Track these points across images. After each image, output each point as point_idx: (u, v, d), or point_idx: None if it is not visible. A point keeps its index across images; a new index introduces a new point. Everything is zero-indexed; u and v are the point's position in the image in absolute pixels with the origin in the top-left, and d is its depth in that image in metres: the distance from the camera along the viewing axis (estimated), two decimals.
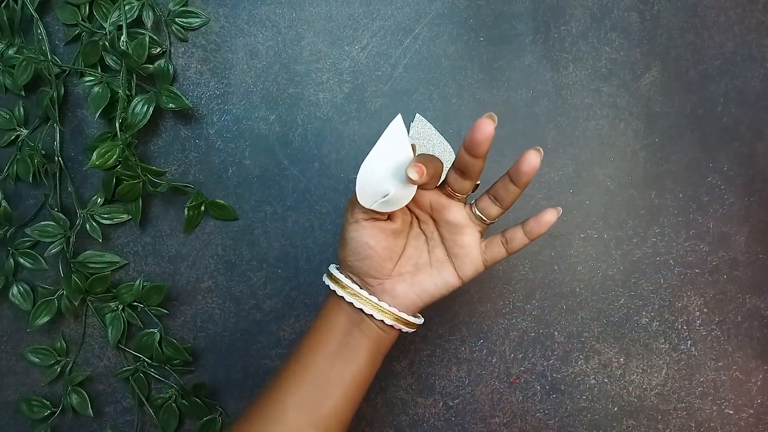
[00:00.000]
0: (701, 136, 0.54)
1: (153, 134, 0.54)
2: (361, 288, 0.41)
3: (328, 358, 0.41)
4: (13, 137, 0.53)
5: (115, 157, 0.48)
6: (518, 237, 0.41)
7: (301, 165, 0.54)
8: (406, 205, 0.40)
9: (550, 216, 0.40)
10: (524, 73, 0.54)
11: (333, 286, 0.42)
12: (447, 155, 0.53)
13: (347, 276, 0.42)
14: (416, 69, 0.54)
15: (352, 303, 0.41)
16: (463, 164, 0.38)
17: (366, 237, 0.40)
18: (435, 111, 0.54)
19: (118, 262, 0.53)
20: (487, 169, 0.53)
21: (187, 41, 0.54)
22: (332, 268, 0.43)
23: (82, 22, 0.51)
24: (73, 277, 0.52)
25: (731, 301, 0.53)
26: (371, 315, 0.41)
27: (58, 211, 0.52)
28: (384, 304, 0.41)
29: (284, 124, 0.54)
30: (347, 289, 0.41)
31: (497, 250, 0.42)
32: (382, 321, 0.41)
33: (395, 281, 0.42)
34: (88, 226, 0.52)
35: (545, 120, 0.54)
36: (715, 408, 0.53)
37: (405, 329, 0.42)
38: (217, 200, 0.53)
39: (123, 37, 0.50)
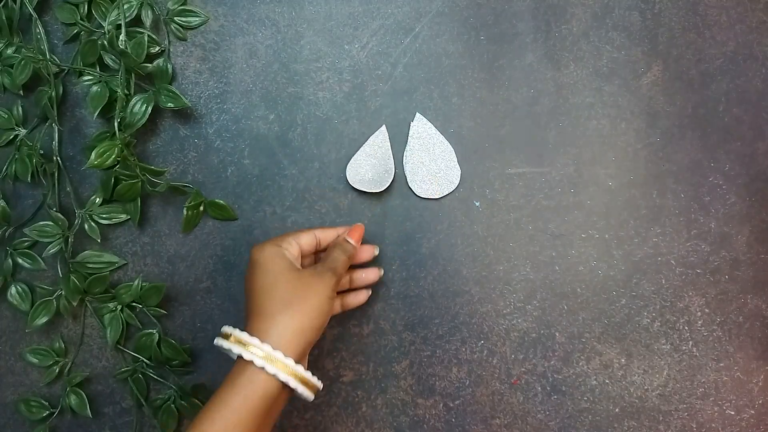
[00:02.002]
0: (703, 136, 0.53)
1: (152, 134, 0.53)
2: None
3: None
4: (11, 137, 0.52)
5: (113, 156, 0.47)
6: (335, 308, 0.49)
7: (300, 165, 0.53)
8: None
9: (362, 296, 0.51)
10: (525, 72, 0.53)
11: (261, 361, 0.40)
12: (447, 154, 0.53)
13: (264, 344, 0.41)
14: (416, 68, 0.53)
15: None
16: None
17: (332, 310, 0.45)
18: (435, 110, 0.53)
19: (116, 263, 0.53)
20: (490, 169, 0.53)
21: (186, 40, 0.53)
22: (245, 336, 0.41)
23: (81, 22, 0.51)
24: (72, 277, 0.51)
25: (733, 301, 0.53)
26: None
27: (56, 211, 0.52)
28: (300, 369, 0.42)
29: (284, 123, 0.53)
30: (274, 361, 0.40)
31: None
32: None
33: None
34: (86, 226, 0.52)
35: (546, 119, 0.53)
36: (716, 409, 0.53)
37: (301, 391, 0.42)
38: (216, 200, 0.53)
39: (122, 37, 0.50)
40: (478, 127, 0.53)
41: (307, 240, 0.47)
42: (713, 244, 0.53)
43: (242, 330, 0.42)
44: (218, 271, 0.54)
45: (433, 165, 0.53)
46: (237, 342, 0.41)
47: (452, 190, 0.53)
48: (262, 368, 0.40)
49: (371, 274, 0.51)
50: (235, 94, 0.53)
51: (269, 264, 0.44)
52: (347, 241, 0.47)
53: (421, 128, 0.53)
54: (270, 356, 0.40)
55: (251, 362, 0.40)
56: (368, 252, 0.51)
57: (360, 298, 0.51)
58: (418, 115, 0.53)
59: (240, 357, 0.40)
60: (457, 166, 0.53)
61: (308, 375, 0.42)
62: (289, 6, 0.53)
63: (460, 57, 0.53)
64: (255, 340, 0.40)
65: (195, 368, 0.54)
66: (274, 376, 0.40)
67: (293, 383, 0.40)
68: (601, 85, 0.53)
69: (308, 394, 0.42)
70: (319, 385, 0.43)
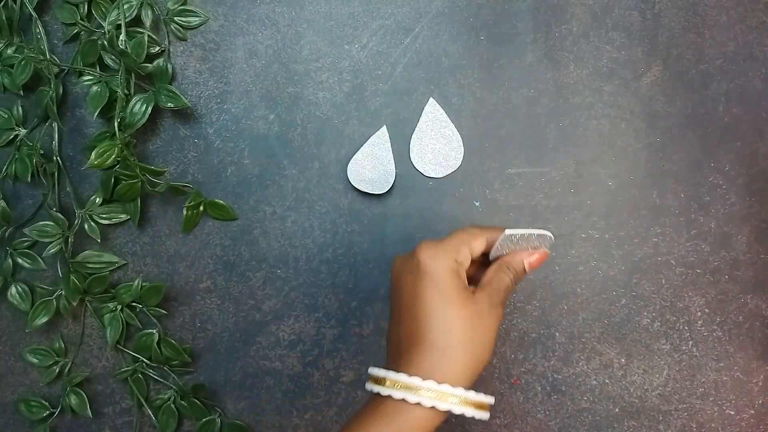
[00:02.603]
0: (703, 136, 0.53)
1: (152, 134, 0.53)
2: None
3: None
4: (11, 137, 0.52)
5: (113, 156, 0.47)
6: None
7: (300, 164, 0.53)
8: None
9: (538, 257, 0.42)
10: (525, 72, 0.53)
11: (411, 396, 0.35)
12: (455, 143, 0.53)
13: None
14: (416, 68, 0.53)
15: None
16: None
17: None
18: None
19: (116, 263, 0.53)
20: (488, 169, 0.53)
21: (186, 40, 0.53)
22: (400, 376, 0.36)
23: (81, 22, 0.51)
24: (72, 277, 0.51)
25: (733, 301, 0.53)
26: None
27: (56, 211, 0.52)
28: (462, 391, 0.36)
29: (283, 123, 0.53)
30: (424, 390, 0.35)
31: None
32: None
33: None
34: (86, 226, 0.52)
35: (546, 119, 0.53)
36: (716, 408, 0.53)
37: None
38: (216, 200, 0.53)
39: (122, 37, 0.50)
40: (478, 127, 0.53)
41: (478, 249, 0.40)
42: (713, 244, 0.53)
43: (392, 365, 0.37)
44: (218, 271, 0.54)
45: (439, 146, 0.53)
46: (404, 388, 0.35)
47: (455, 170, 0.53)
48: (432, 407, 0.35)
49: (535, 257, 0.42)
50: (235, 94, 0.53)
51: (442, 281, 0.37)
52: (524, 266, 0.40)
53: (433, 113, 0.53)
54: (443, 394, 0.35)
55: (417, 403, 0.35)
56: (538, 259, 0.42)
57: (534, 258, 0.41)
58: (431, 99, 0.53)
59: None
60: (462, 148, 0.53)
61: (482, 397, 0.37)
62: (289, 6, 0.53)
63: (460, 57, 0.53)
64: (430, 383, 0.35)
65: (195, 368, 0.54)
66: (446, 411, 0.35)
67: (471, 412, 0.36)
68: (601, 85, 0.53)
69: (484, 415, 0.37)
70: (490, 401, 0.38)
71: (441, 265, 0.37)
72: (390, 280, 0.40)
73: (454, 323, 0.36)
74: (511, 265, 0.40)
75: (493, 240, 0.40)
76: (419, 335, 0.36)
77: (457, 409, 0.35)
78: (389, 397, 0.35)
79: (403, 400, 0.35)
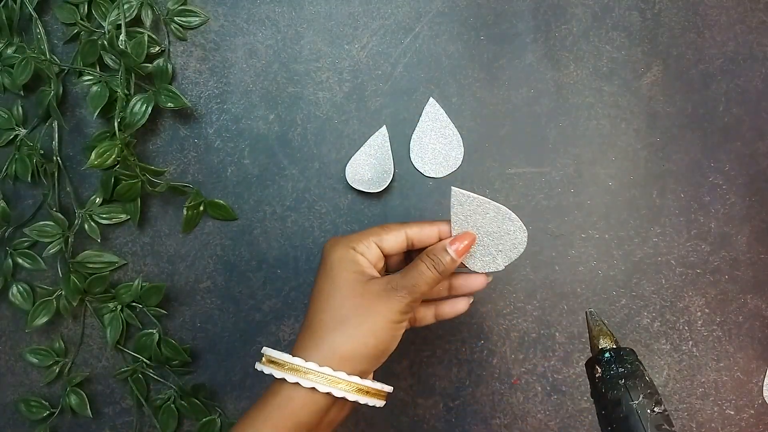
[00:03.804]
0: (703, 136, 0.53)
1: (152, 134, 0.53)
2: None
3: None
4: (11, 137, 0.52)
5: (113, 156, 0.47)
6: (428, 317, 0.43)
7: (300, 165, 0.53)
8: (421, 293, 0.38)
9: (461, 305, 0.42)
10: (525, 72, 0.53)
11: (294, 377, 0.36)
12: (455, 143, 0.53)
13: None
14: (416, 68, 0.53)
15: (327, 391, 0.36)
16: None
17: (400, 335, 0.39)
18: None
19: (116, 262, 0.53)
20: (488, 169, 0.53)
21: (186, 40, 0.53)
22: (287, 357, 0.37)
23: (81, 21, 0.51)
24: (72, 277, 0.51)
25: (733, 301, 0.53)
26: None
27: (56, 211, 0.52)
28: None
29: (284, 123, 0.53)
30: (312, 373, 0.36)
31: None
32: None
33: None
34: (86, 226, 0.52)
35: (546, 119, 0.53)
36: (716, 408, 0.53)
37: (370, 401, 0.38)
38: (216, 200, 0.53)
39: (122, 37, 0.50)
40: (478, 127, 0.53)
41: (392, 242, 0.40)
42: (713, 244, 0.53)
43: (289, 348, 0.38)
44: (218, 271, 0.54)
45: (439, 146, 0.53)
46: (290, 370, 0.36)
47: (455, 170, 0.53)
48: (312, 388, 0.36)
49: (476, 281, 0.42)
50: (235, 94, 0.53)
51: (335, 268, 0.38)
52: (446, 251, 0.39)
53: (432, 113, 0.53)
54: (325, 377, 0.36)
55: (293, 381, 0.36)
56: (477, 282, 0.42)
57: (458, 307, 0.42)
58: (431, 99, 0.53)
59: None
60: (462, 148, 0.53)
61: (368, 383, 0.37)
62: (289, 6, 0.53)
63: (460, 57, 0.53)
64: (311, 365, 0.36)
65: (195, 368, 0.54)
66: (327, 393, 0.36)
67: (353, 397, 0.36)
68: (601, 85, 0.53)
69: (377, 402, 0.38)
70: (384, 387, 0.39)
71: (337, 256, 0.38)
72: None
73: (341, 308, 0.37)
74: (432, 252, 0.39)
75: (419, 238, 0.40)
76: (309, 320, 0.38)
77: (338, 392, 0.36)
78: (282, 380, 0.36)
79: (284, 379, 0.36)
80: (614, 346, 0.38)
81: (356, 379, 0.37)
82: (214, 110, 0.53)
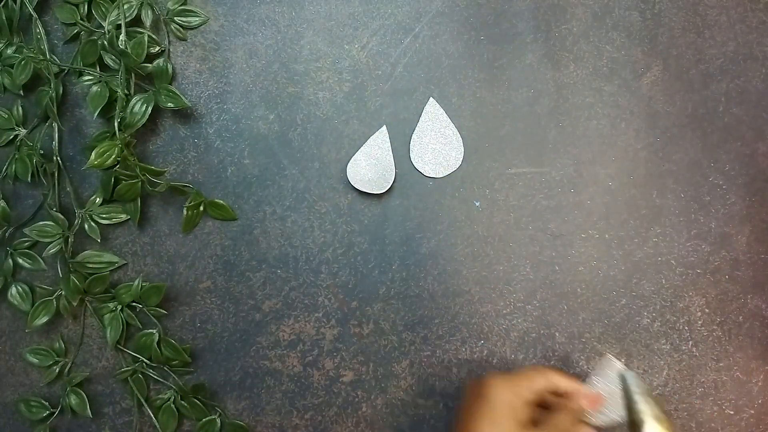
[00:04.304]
0: (702, 136, 0.53)
1: (152, 134, 0.53)
2: None
3: None
4: (11, 137, 0.52)
5: (113, 156, 0.47)
6: None
7: (300, 165, 0.53)
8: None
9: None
10: (525, 72, 0.53)
11: None
12: (455, 143, 0.53)
13: None
14: (416, 68, 0.53)
15: None
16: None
17: None
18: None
19: (116, 262, 0.53)
20: (490, 169, 0.53)
21: (186, 40, 0.53)
22: None
23: (81, 21, 0.51)
24: (72, 277, 0.51)
25: (733, 301, 0.53)
26: None
27: (56, 211, 0.52)
28: None
29: (283, 123, 0.53)
30: None
31: None
32: None
33: None
34: (86, 226, 0.52)
35: (546, 119, 0.53)
36: (716, 408, 0.53)
37: None
38: (216, 200, 0.53)
39: (122, 37, 0.50)
40: (478, 127, 0.53)
41: (541, 386, 0.43)
42: (713, 244, 0.53)
43: None
44: (218, 271, 0.54)
45: (439, 146, 0.52)
46: None
47: (455, 170, 0.53)
48: None
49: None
50: (235, 94, 0.53)
51: (498, 412, 0.41)
52: (581, 407, 0.43)
53: (432, 113, 0.53)
54: None
55: None
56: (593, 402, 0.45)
57: None
58: (431, 99, 0.53)
59: None
60: (462, 148, 0.53)
61: None
62: (289, 6, 0.53)
63: (460, 57, 0.53)
64: None
65: (195, 368, 0.54)
66: None
67: None
68: (601, 85, 0.53)
69: None
70: None
71: (501, 398, 0.41)
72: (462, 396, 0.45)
73: None
74: (569, 406, 0.43)
75: (560, 386, 0.43)
76: None
77: None
78: None
79: None
80: None
81: None
82: (214, 110, 0.53)
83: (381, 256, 0.53)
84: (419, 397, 0.53)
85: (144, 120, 0.49)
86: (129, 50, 0.49)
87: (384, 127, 0.53)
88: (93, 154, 0.46)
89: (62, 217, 0.52)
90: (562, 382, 0.44)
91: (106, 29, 0.50)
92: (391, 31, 0.53)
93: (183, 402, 0.52)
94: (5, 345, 0.54)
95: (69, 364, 0.54)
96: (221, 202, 0.53)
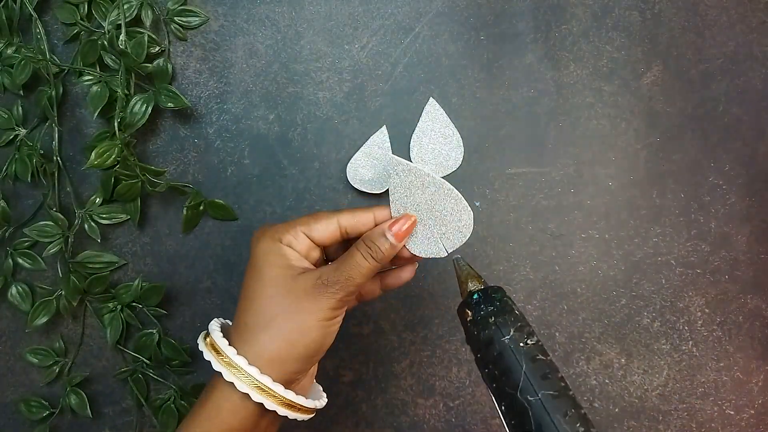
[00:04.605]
0: (703, 136, 0.53)
1: (152, 134, 0.53)
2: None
3: None
4: (11, 137, 0.52)
5: (113, 156, 0.47)
6: (374, 290, 0.41)
7: (300, 165, 0.53)
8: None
9: (407, 274, 0.40)
10: (525, 72, 0.53)
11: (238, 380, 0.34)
12: (455, 143, 0.53)
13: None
14: (416, 68, 0.53)
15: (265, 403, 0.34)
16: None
17: (335, 330, 0.35)
18: None
19: (116, 262, 0.53)
20: (489, 170, 0.53)
21: (186, 40, 0.53)
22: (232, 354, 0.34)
23: (81, 21, 0.51)
24: (72, 277, 0.51)
25: (733, 301, 0.53)
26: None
27: (56, 211, 0.52)
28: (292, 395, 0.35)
29: (284, 123, 0.53)
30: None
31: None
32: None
33: None
34: (86, 226, 0.52)
35: (546, 119, 0.53)
36: (716, 408, 0.53)
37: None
38: (216, 200, 0.53)
39: (122, 36, 0.50)
40: (478, 127, 0.53)
41: (322, 231, 0.37)
42: (713, 244, 0.53)
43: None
44: (218, 271, 0.54)
45: (439, 146, 0.52)
46: (213, 349, 0.35)
47: (455, 170, 0.53)
48: (232, 383, 0.34)
49: (405, 274, 0.41)
50: (235, 94, 0.53)
51: (261, 262, 0.36)
52: (384, 237, 0.36)
53: (433, 113, 0.53)
54: (241, 373, 0.34)
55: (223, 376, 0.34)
56: (406, 275, 0.40)
57: (404, 276, 0.40)
58: (432, 99, 0.53)
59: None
60: (462, 148, 0.52)
61: (292, 396, 0.35)
62: (289, 6, 0.53)
63: (460, 57, 0.53)
64: (230, 350, 0.34)
65: (195, 368, 0.54)
66: (246, 395, 0.33)
67: (271, 405, 0.34)
68: (601, 85, 0.53)
69: (298, 416, 0.36)
70: (313, 405, 0.37)
71: (262, 249, 0.36)
72: None
73: (267, 308, 0.34)
74: (368, 238, 0.36)
75: (353, 226, 0.37)
76: (236, 321, 0.36)
77: (258, 398, 0.34)
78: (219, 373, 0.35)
79: (219, 372, 0.34)
80: (482, 287, 0.37)
81: (279, 388, 0.34)
82: (214, 110, 0.53)
83: None
84: (419, 396, 0.53)
85: (144, 120, 0.49)
86: (129, 50, 0.49)
87: (384, 127, 0.53)
88: (93, 154, 0.46)
89: (62, 217, 0.52)
90: (354, 218, 0.37)
91: (106, 29, 0.50)
92: (391, 31, 0.53)
93: (183, 402, 0.52)
94: (5, 345, 0.54)
95: (69, 364, 0.54)
96: (221, 202, 0.53)
